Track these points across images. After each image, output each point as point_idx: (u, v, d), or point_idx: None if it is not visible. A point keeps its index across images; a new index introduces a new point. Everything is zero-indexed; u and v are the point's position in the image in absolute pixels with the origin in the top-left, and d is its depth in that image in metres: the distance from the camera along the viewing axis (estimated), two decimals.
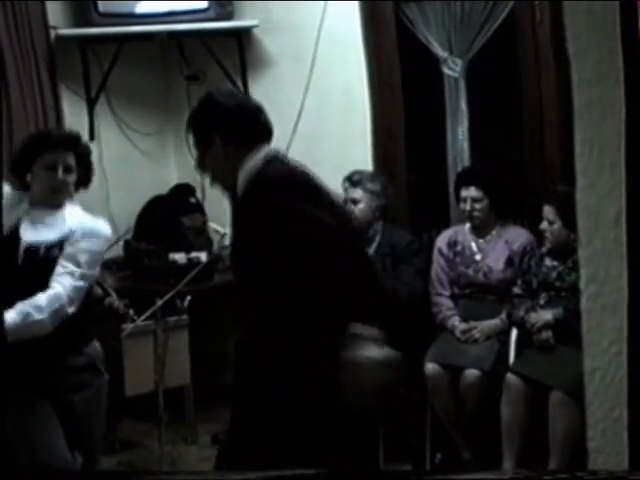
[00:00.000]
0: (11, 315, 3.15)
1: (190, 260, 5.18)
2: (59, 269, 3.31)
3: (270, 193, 2.78)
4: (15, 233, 3.36)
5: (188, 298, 4.76)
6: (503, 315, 4.60)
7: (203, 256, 5.26)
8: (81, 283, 3.34)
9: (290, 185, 2.80)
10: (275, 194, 2.77)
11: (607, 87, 1.77)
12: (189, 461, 4.86)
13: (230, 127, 2.86)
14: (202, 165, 2.96)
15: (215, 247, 5.59)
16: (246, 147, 2.85)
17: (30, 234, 3.37)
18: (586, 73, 1.80)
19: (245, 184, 2.84)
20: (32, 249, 3.34)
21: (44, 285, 3.28)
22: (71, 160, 3.42)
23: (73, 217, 3.44)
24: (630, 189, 1.71)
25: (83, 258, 3.36)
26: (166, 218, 5.57)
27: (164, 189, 5.73)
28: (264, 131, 2.93)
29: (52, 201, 3.44)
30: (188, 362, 4.87)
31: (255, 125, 2.90)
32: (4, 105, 4.99)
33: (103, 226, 3.52)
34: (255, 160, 2.84)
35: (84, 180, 3.54)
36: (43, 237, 3.36)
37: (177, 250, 5.24)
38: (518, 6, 5.00)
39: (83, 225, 3.42)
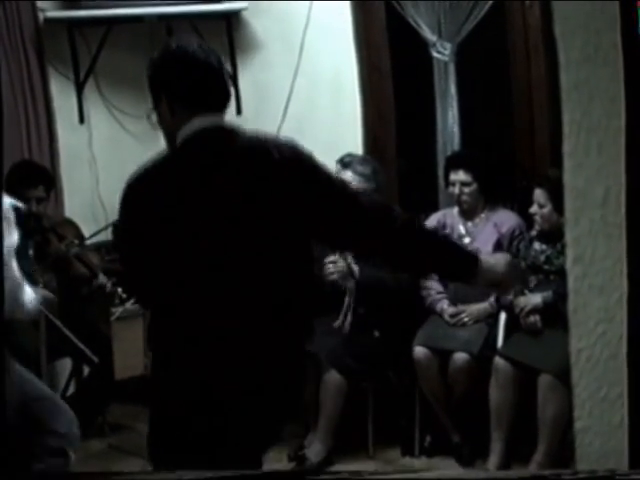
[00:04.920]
0: None
1: None
2: None
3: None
4: None
5: None
6: (492, 299, 4.61)
7: None
8: None
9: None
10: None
11: (594, 68, 1.78)
12: None
13: (176, 86, 2.65)
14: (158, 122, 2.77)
15: None
16: (192, 111, 2.64)
17: None
18: (573, 54, 1.80)
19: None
20: None
21: None
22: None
23: None
24: (628, 171, 1.72)
25: None
26: None
27: None
28: (213, 97, 2.69)
29: None
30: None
31: (207, 88, 2.67)
32: None
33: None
34: (190, 128, 2.63)
35: None
36: None
37: None
38: None
39: None
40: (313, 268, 2.78)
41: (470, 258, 2.74)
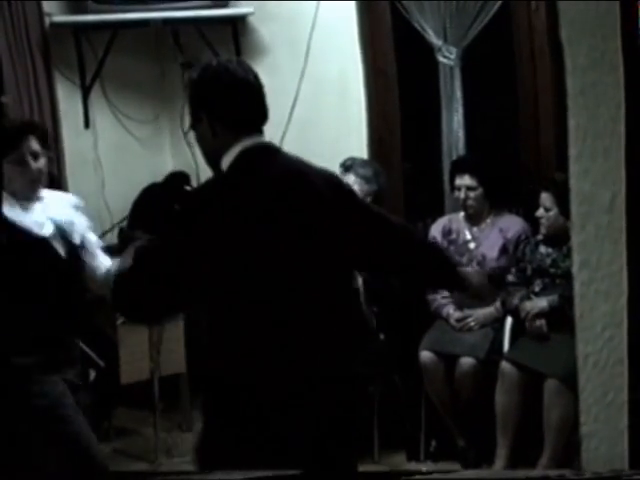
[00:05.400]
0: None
1: None
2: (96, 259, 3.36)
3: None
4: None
5: None
6: (498, 303, 4.61)
7: None
8: None
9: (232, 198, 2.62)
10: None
11: (601, 73, 1.78)
12: (184, 448, 4.86)
13: (219, 107, 2.65)
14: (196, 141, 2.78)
15: None
16: (235, 131, 2.64)
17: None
18: (580, 59, 1.80)
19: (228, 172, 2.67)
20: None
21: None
22: (37, 145, 3.28)
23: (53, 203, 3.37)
24: (629, 174, 1.72)
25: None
26: (160, 206, 5.56)
27: (159, 176, 5.71)
28: (258, 116, 2.70)
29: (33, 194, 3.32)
30: (183, 350, 4.89)
31: (248, 108, 2.67)
32: None
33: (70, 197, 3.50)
34: (237, 150, 2.63)
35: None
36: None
37: None
38: None
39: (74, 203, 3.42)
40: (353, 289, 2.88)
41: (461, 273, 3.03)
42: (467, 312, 4.67)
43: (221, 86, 2.65)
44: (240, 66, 2.69)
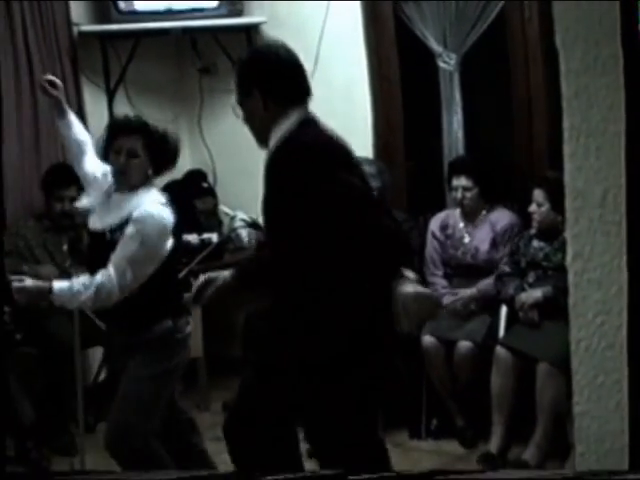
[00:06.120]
0: (63, 284, 3.14)
1: (202, 241, 5.20)
2: (113, 255, 3.17)
3: (300, 158, 2.66)
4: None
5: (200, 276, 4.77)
6: (481, 284, 4.60)
7: (214, 237, 5.28)
8: (128, 270, 3.15)
9: (322, 151, 2.72)
10: (305, 160, 2.65)
11: (593, 77, 1.78)
12: (202, 427, 4.86)
13: (270, 83, 2.71)
14: (243, 117, 2.81)
15: (225, 228, 5.61)
16: (284, 105, 2.70)
17: (99, 218, 3.31)
18: (574, 64, 1.81)
19: (277, 144, 2.70)
20: (99, 233, 3.28)
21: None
22: (135, 144, 3.27)
23: (139, 201, 3.26)
24: (628, 170, 1.73)
25: (132, 244, 3.17)
26: (180, 201, 5.56)
27: (178, 174, 5.72)
28: (303, 91, 2.77)
29: (120, 185, 3.30)
30: (201, 335, 4.90)
31: (295, 84, 2.74)
32: None
33: (156, 212, 3.26)
34: (290, 121, 2.70)
35: (156, 166, 3.34)
36: (108, 221, 3.27)
37: (190, 231, 5.25)
38: (508, 5, 5.00)
39: (139, 209, 3.22)
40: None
41: None
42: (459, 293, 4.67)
43: (271, 63, 2.74)
44: (284, 48, 2.77)
